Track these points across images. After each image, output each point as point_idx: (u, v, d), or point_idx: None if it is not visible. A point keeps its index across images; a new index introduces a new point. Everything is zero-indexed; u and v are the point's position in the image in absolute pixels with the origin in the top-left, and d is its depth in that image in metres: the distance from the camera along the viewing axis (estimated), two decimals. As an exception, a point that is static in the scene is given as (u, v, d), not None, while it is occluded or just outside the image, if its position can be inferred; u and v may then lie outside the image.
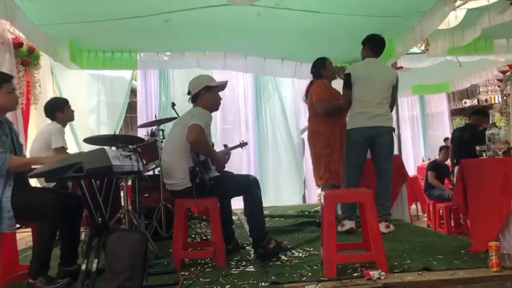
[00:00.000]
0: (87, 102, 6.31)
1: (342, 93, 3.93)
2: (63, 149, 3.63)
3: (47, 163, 2.29)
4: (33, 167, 2.36)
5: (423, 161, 8.59)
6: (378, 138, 3.78)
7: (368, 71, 3.83)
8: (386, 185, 3.88)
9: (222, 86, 3.19)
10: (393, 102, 3.93)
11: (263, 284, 2.38)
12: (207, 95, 3.07)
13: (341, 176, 3.97)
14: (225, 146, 3.77)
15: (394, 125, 4.10)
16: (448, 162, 6.57)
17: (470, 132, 5.50)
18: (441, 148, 6.61)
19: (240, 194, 3.06)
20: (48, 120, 3.86)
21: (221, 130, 7.03)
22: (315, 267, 2.64)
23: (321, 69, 4.12)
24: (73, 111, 3.94)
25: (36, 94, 4.90)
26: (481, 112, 5.93)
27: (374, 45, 3.90)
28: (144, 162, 3.65)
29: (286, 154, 7.10)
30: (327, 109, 3.95)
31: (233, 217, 3.61)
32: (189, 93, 3.14)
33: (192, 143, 2.81)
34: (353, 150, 3.87)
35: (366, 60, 3.93)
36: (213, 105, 3.13)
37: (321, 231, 2.75)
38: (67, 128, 4.21)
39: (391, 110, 3.96)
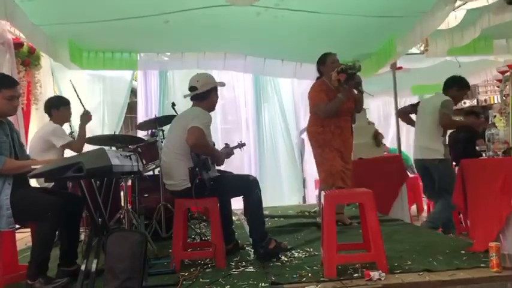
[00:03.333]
0: (87, 103, 6.29)
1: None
2: (77, 140, 3.64)
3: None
4: (33, 167, 2.36)
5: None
6: (429, 169, 4.05)
7: (424, 104, 4.17)
8: (446, 205, 3.93)
9: (221, 84, 3.21)
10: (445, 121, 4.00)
11: (263, 284, 2.38)
12: (214, 96, 3.11)
13: (343, 178, 3.83)
14: (227, 144, 3.77)
15: (395, 125, 4.17)
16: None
17: (466, 133, 5.54)
18: None
19: (240, 194, 3.06)
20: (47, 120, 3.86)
21: (221, 130, 7.03)
22: (315, 267, 2.64)
23: (320, 65, 3.97)
24: (70, 113, 3.92)
25: (36, 94, 4.91)
26: (473, 112, 5.99)
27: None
28: (144, 162, 3.65)
29: (286, 154, 7.10)
30: (328, 111, 3.79)
31: (233, 217, 3.61)
32: (193, 89, 3.06)
33: (192, 146, 2.81)
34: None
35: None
36: (214, 106, 3.17)
37: (321, 231, 2.74)
38: (67, 129, 4.19)
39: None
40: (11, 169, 2.42)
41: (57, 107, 3.79)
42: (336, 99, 3.76)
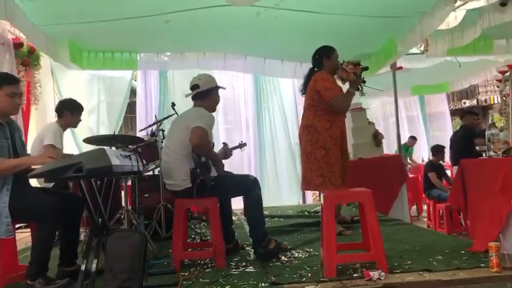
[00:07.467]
0: (87, 102, 6.30)
1: None
2: (52, 147, 3.56)
3: (36, 163, 2.28)
4: (33, 166, 2.35)
5: (423, 161, 8.59)
6: None
7: None
8: None
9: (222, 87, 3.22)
10: None
11: (263, 284, 2.38)
12: (216, 95, 3.14)
13: (338, 182, 3.45)
14: (225, 144, 3.76)
15: (394, 125, 4.08)
16: (447, 162, 6.57)
17: (465, 133, 5.56)
18: (436, 149, 6.51)
19: (240, 194, 3.06)
20: (49, 120, 3.85)
21: (222, 130, 7.03)
22: (315, 267, 2.64)
23: (324, 57, 3.60)
24: (79, 120, 3.93)
25: (36, 94, 4.91)
26: (471, 112, 6.00)
27: None
28: (144, 162, 3.65)
29: (286, 154, 7.11)
30: (346, 106, 3.55)
31: (233, 217, 3.61)
32: (196, 87, 3.07)
33: (195, 146, 2.81)
34: None
35: None
36: (215, 106, 3.19)
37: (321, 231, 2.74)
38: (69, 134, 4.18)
39: None
40: (2, 170, 2.39)
41: (72, 111, 3.80)
42: (349, 93, 3.50)
